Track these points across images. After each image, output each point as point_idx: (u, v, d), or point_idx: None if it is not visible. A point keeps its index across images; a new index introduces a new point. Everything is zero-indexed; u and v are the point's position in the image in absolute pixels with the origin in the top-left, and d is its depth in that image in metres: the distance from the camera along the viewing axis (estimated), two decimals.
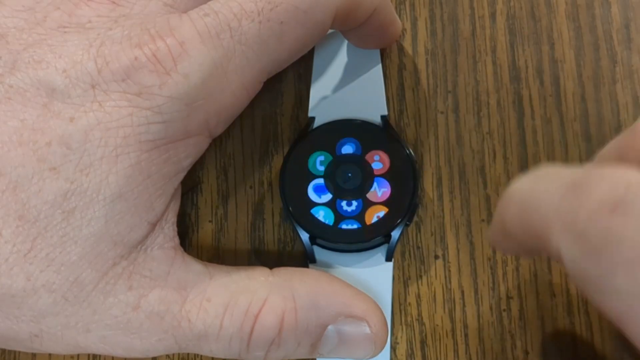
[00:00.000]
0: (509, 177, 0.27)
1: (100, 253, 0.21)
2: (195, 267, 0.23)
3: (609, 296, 0.16)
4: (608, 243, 0.15)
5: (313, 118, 0.26)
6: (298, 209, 0.25)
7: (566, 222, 0.16)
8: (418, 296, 0.26)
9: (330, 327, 0.23)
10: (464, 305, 0.26)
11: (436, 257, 0.27)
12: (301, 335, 0.23)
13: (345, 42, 0.28)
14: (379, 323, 0.23)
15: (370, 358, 0.24)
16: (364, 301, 0.23)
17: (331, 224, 0.25)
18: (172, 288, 0.22)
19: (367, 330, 0.23)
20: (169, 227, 0.23)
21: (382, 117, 0.26)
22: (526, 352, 0.26)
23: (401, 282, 0.26)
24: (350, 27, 0.25)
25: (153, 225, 0.22)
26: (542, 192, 0.17)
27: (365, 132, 0.26)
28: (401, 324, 0.26)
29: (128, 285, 0.22)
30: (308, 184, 0.25)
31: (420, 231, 0.27)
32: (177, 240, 0.24)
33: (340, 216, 0.25)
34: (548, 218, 0.17)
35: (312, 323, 0.23)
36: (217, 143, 0.28)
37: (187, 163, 0.23)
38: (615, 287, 0.15)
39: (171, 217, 0.23)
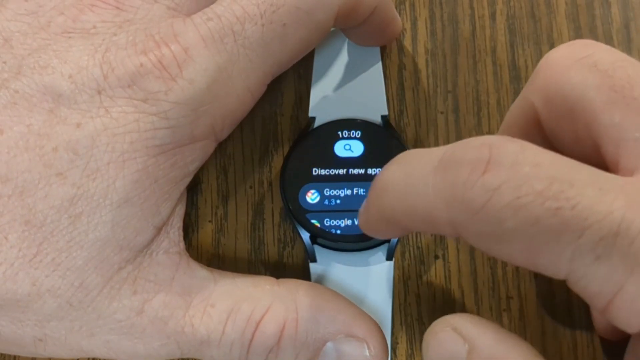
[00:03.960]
0: None
1: (106, 257, 0.21)
2: (200, 272, 0.23)
3: (507, 243, 0.17)
4: (490, 197, 0.16)
5: (313, 118, 0.26)
6: (298, 209, 0.25)
7: (447, 198, 0.17)
8: (418, 296, 0.26)
9: (329, 343, 0.23)
10: (464, 305, 0.26)
11: (436, 257, 0.27)
12: (299, 347, 0.22)
13: (346, 42, 0.27)
14: (379, 346, 0.23)
15: None
16: (366, 322, 0.23)
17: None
18: (177, 293, 0.22)
19: (367, 352, 0.23)
20: (175, 232, 0.23)
21: (383, 117, 0.26)
22: None
23: (401, 282, 0.26)
24: (351, 25, 0.25)
25: (159, 230, 0.22)
26: (417, 177, 0.18)
27: (365, 132, 0.26)
28: (401, 324, 0.26)
29: (133, 290, 0.22)
30: (308, 184, 0.25)
31: None
32: (182, 245, 0.24)
33: None
34: (430, 199, 0.18)
35: (312, 337, 0.23)
36: None
37: (193, 167, 0.23)
38: (508, 230, 0.16)
39: (177, 222, 0.23)
